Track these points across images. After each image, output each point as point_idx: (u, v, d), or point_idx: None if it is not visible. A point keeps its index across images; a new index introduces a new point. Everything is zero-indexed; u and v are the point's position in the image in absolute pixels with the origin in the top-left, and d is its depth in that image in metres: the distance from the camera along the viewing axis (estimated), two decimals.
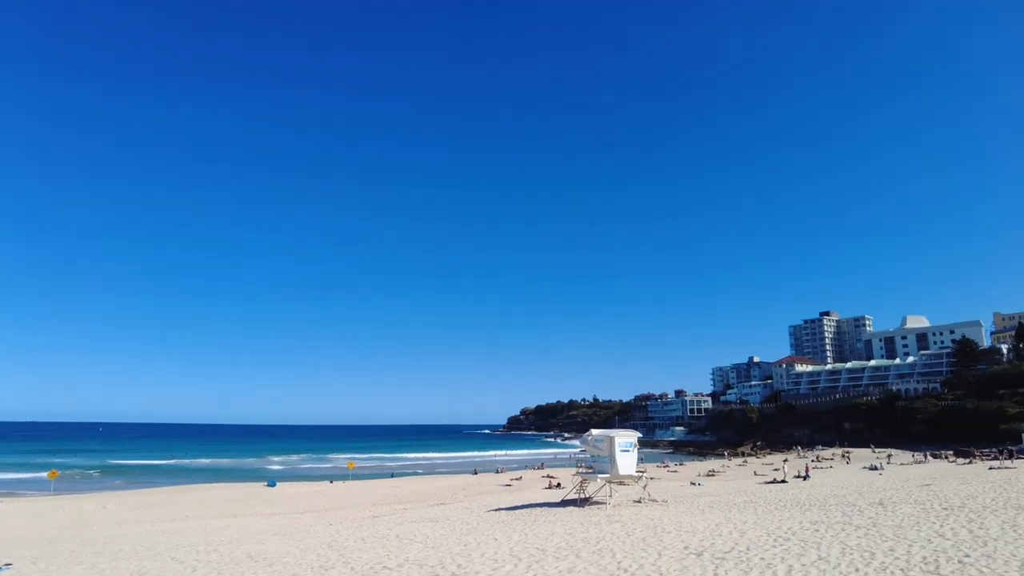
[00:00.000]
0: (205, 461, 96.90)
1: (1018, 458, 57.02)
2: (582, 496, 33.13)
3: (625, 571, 13.72)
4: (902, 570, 12.46)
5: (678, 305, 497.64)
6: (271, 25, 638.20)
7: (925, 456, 69.29)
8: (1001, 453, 61.58)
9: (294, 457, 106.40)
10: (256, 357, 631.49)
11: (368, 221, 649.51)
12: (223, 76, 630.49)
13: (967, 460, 59.98)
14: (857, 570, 12.64)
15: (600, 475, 31.63)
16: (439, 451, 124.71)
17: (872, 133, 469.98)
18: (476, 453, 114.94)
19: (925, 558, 13.49)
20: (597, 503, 31.35)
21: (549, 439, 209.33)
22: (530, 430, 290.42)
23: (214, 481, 62.37)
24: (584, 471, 33.92)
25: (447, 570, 15.10)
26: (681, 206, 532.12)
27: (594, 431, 34.82)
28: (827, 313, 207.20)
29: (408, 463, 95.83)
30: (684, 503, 30.87)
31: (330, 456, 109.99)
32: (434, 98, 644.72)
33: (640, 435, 35.58)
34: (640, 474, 33.26)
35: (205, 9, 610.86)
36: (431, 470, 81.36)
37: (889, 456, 74.76)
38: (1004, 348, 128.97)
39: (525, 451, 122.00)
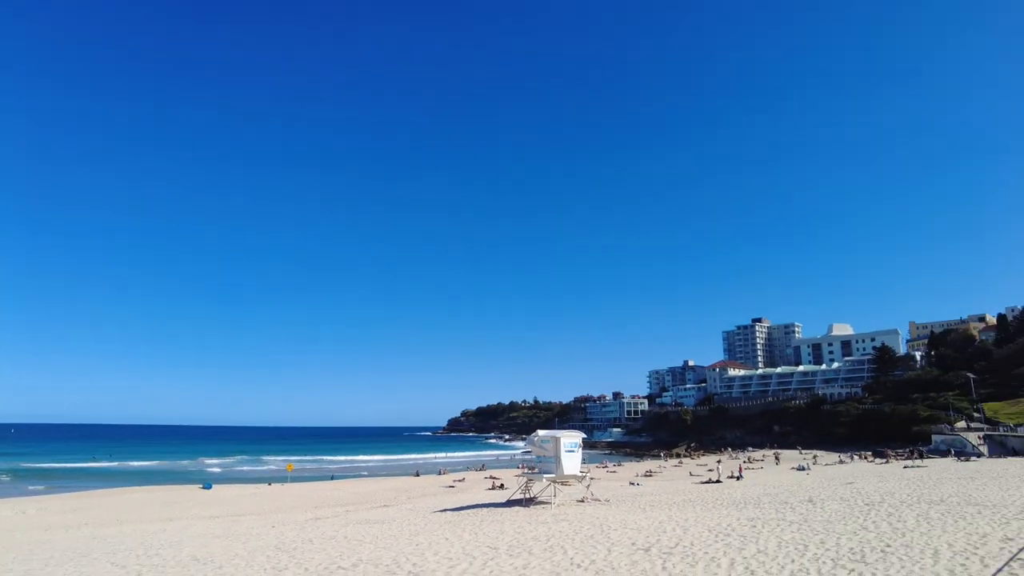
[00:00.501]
0: (135, 463, 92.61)
1: (927, 457, 60.99)
2: (527, 496, 33.71)
3: (578, 566, 14.26)
4: (833, 560, 13.45)
5: (617, 309, 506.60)
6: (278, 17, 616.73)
7: (849, 457, 73.24)
8: (912, 453, 65.81)
9: (230, 459, 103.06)
10: (186, 357, 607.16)
11: (312, 218, 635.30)
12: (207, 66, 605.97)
13: (884, 460, 63.75)
14: (793, 561, 13.57)
15: (546, 475, 32.28)
16: (379, 453, 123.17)
17: (798, 148, 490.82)
18: (416, 455, 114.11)
19: (852, 549, 14.57)
20: (542, 503, 31.94)
21: (490, 440, 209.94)
22: (470, 431, 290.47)
23: (144, 484, 59.92)
24: (530, 471, 34.55)
25: (403, 568, 15.30)
26: (621, 217, 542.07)
27: (540, 432, 35.49)
28: (759, 320, 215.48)
29: (347, 465, 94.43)
30: (626, 502, 31.77)
31: (265, 458, 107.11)
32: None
33: (585, 436, 36.45)
34: (584, 474, 34.15)
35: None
36: (372, 472, 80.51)
37: (815, 457, 78.61)
38: (918, 355, 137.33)
39: (466, 453, 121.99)
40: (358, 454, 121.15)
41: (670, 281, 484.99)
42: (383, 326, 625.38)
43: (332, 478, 69.50)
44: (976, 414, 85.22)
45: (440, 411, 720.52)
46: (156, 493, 51.74)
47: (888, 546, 14.70)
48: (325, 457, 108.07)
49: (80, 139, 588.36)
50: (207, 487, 55.38)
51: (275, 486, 57.18)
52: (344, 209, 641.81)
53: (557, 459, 32.03)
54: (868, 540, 15.62)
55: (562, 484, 33.27)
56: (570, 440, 33.05)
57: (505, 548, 17.39)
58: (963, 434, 71.86)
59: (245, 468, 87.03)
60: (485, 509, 31.25)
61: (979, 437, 67.88)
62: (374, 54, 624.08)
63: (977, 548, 14.05)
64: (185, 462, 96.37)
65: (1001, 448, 61.46)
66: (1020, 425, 70.79)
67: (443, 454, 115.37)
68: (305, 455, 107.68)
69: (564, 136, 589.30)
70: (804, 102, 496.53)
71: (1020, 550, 13.56)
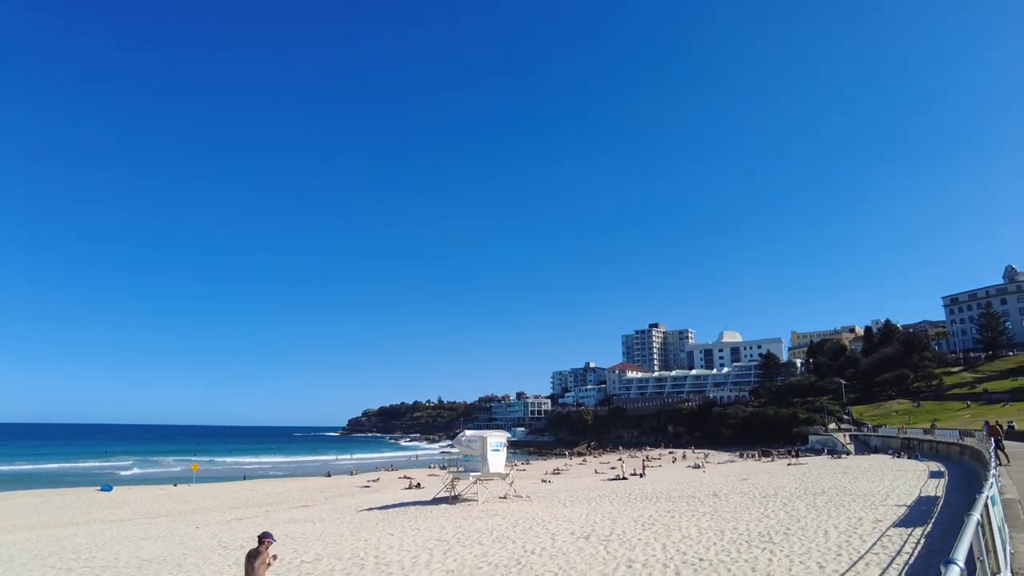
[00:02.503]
0: (19, 467, 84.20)
1: (804, 455, 67.41)
2: (453, 494, 35.13)
3: (532, 553, 15.95)
4: (747, 542, 15.89)
5: (522, 311, 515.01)
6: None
7: (738, 456, 79.34)
8: (790, 452, 72.47)
9: (127, 460, 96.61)
10: (74, 352, 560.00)
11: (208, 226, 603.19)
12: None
13: (769, 458, 69.76)
14: (715, 544, 15.90)
15: (472, 473, 33.84)
16: (283, 455, 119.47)
17: (693, 160, 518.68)
18: (322, 456, 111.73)
19: (760, 533, 17.15)
20: (467, 500, 33.45)
21: (393, 441, 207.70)
22: (372, 431, 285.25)
23: (31, 488, 55.82)
24: (456, 470, 35.92)
25: (369, 558, 16.41)
26: (522, 222, 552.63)
27: (467, 432, 37.11)
28: (656, 325, 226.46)
29: (252, 466, 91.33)
30: (545, 498, 33.79)
31: (156, 459, 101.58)
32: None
33: (510, 436, 38.29)
34: (508, 472, 35.99)
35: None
36: (278, 473, 78.73)
37: (706, 456, 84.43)
38: (799, 362, 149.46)
39: (374, 454, 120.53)
40: (261, 455, 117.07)
41: (574, 287, 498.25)
42: (275, 322, 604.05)
43: (245, 478, 67.61)
44: (846, 416, 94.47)
45: (339, 411, 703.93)
46: (49, 497, 48.51)
47: (788, 529, 17.39)
48: (228, 459, 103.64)
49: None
50: (106, 489, 52.49)
51: (181, 487, 55.03)
52: (243, 208, 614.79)
53: (483, 458, 33.70)
54: (771, 525, 18.31)
55: (486, 481, 34.94)
56: (496, 439, 34.85)
57: (455, 541, 18.79)
58: (835, 435, 79.62)
59: (142, 470, 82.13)
60: (413, 507, 32.32)
61: (847, 437, 75.61)
62: None
63: (856, 528, 16.97)
64: (75, 464, 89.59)
65: (865, 447, 68.92)
66: (880, 426, 79.27)
67: (349, 455, 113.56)
68: (205, 455, 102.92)
69: (465, 146, 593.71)
70: (697, 115, 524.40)
71: (888, 528, 16.55)
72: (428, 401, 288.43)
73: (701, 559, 14.07)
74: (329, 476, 65.64)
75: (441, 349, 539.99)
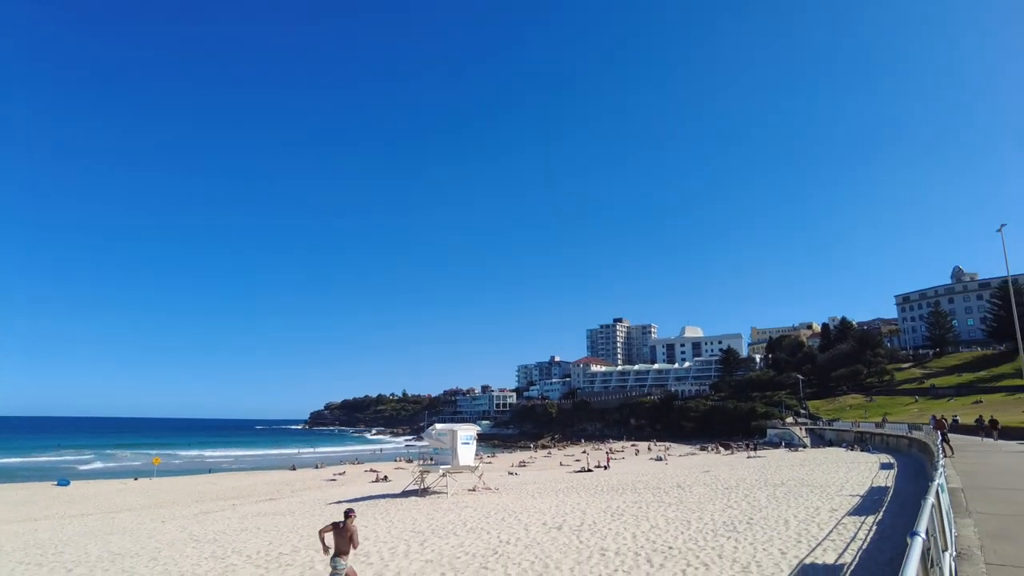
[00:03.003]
0: None
1: (763, 448, 69.47)
2: (422, 487, 35.45)
3: (507, 543, 16.42)
4: (712, 531, 16.64)
5: (487, 306, 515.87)
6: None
7: (699, 448, 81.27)
8: (748, 445, 74.58)
9: (86, 454, 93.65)
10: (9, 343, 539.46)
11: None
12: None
13: (729, 451, 71.74)
14: (683, 533, 16.61)
15: (442, 466, 34.20)
16: (245, 448, 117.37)
17: (652, 157, 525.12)
18: (285, 450, 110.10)
19: (725, 522, 17.94)
20: (436, 493, 33.78)
21: (357, 434, 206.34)
22: (335, 425, 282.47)
23: None
24: (425, 463, 36.27)
25: None
26: (492, 219, 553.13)
27: (438, 425, 37.37)
28: (620, 320, 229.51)
29: (215, 459, 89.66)
30: (514, 490, 34.36)
31: (113, 452, 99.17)
32: None
33: (480, 429, 38.72)
34: (478, 464, 36.44)
35: None
36: (243, 466, 77.51)
37: (668, 448, 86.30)
38: (758, 358, 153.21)
39: (337, 447, 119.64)
40: (223, 448, 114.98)
41: (540, 281, 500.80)
42: (236, 317, 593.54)
43: (210, 471, 66.73)
44: (802, 411, 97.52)
45: (301, 404, 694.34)
46: (1, 493, 47.30)
47: (751, 519, 18.23)
48: (190, 452, 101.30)
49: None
50: (63, 484, 51.16)
51: (142, 481, 54.03)
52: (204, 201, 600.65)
53: (453, 451, 34.08)
54: (735, 515, 19.14)
55: (456, 474, 35.34)
56: (466, 433, 35.26)
57: (430, 532, 19.15)
58: (792, 428, 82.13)
59: (104, 464, 79.77)
60: (383, 500, 32.45)
61: (804, 431, 78.14)
62: None
63: (814, 517, 17.90)
64: (24, 459, 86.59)
65: (820, 440, 71.33)
66: (834, 420, 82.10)
67: (312, 449, 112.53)
68: (166, 449, 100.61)
69: (435, 135, 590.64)
70: (654, 105, 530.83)
71: (843, 516, 17.50)
72: (392, 394, 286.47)
73: (670, 547, 14.74)
74: (294, 469, 65.22)
75: (406, 342, 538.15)
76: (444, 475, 34.42)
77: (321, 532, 11.60)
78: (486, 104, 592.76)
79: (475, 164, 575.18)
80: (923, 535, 3.67)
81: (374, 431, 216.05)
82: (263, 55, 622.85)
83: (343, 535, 10.97)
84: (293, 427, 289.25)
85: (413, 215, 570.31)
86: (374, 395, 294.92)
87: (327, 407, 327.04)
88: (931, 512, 4.97)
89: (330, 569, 10.82)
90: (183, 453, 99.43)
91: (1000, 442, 34.72)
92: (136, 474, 59.26)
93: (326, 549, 11.30)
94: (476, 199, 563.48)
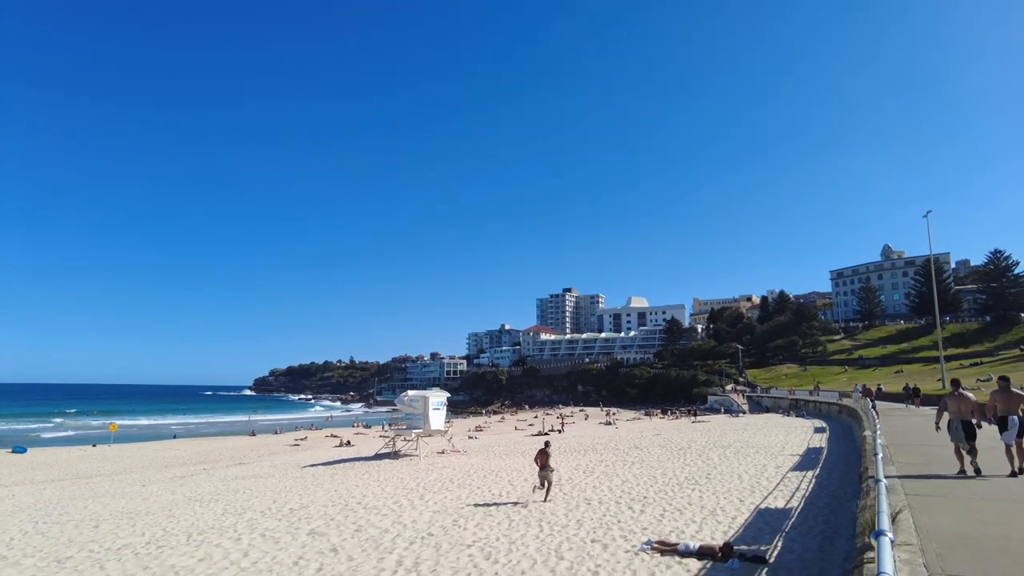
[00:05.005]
0: None
1: (704, 415, 73.85)
2: (394, 450, 37.28)
3: (499, 496, 18.41)
4: (678, 484, 19.05)
5: (438, 275, 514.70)
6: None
7: (644, 414, 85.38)
8: (690, 412, 79.04)
9: (47, 422, 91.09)
10: None
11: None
12: None
13: (674, 416, 75.86)
14: (651, 486, 18.95)
15: (414, 430, 36.01)
16: (198, 414, 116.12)
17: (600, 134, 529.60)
18: (239, 417, 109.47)
19: (687, 477, 20.41)
20: (407, 455, 35.61)
21: (303, 401, 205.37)
22: (279, 391, 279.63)
23: None
24: (397, 427, 38.00)
25: (352, 503, 18.28)
26: (442, 186, 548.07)
27: (410, 392, 39.12)
28: (569, 290, 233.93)
29: (173, 426, 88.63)
30: (481, 453, 36.51)
31: (59, 420, 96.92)
32: None
33: (449, 395, 40.60)
34: (447, 428, 38.43)
35: None
36: (205, 432, 77.19)
37: (614, 413, 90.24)
38: (700, 328, 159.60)
39: (292, 414, 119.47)
40: (177, 415, 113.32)
41: (489, 249, 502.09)
42: (172, 274, 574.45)
43: (175, 437, 66.56)
44: (741, 379, 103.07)
45: (244, 370, 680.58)
46: None
47: (709, 474, 20.77)
48: (143, 420, 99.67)
49: None
50: (19, 451, 50.38)
51: (101, 448, 53.77)
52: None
53: (425, 416, 35.93)
54: (694, 472, 21.68)
55: (427, 437, 37.22)
56: (437, 399, 37.17)
57: (423, 488, 20.96)
58: (731, 395, 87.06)
59: (59, 433, 77.79)
60: (358, 463, 33.96)
61: (743, 397, 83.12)
62: None
63: (762, 472, 20.55)
64: None
65: (758, 407, 76.25)
66: (771, 388, 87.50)
67: (266, 415, 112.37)
68: (114, 416, 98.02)
69: (375, 97, 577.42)
70: (608, 72, 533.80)
71: (787, 472, 20.19)
72: (339, 361, 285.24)
73: (645, 497, 17.02)
74: (254, 435, 65.69)
75: (354, 310, 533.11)
76: (416, 439, 36.29)
77: (537, 455, 17.51)
78: (430, 69, 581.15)
79: (431, 129, 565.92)
80: (889, 535, 4.36)
81: (328, 398, 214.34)
82: None
83: (546, 455, 17.29)
84: (247, 392, 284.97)
85: (362, 181, 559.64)
86: (320, 362, 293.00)
87: (272, 373, 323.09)
88: (881, 460, 7.02)
89: (542, 475, 17.08)
90: (136, 421, 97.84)
91: (922, 408, 38.70)
92: (94, 441, 58.76)
93: (541, 465, 17.16)
94: (426, 167, 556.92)
